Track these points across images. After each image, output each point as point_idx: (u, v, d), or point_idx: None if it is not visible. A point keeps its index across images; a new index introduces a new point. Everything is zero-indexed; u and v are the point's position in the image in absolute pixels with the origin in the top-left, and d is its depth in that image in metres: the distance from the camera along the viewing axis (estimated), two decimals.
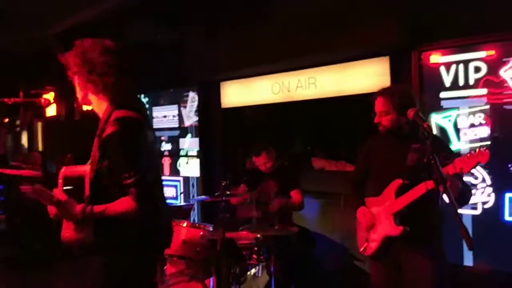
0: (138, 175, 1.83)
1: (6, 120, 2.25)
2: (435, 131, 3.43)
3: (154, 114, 6.09)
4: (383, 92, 2.50)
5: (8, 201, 5.62)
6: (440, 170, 1.83)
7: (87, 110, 2.23)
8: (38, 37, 4.81)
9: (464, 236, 1.63)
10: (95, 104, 2.03)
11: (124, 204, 1.83)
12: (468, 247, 1.61)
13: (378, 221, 2.48)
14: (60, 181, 1.79)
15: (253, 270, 3.79)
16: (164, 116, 5.99)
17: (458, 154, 2.85)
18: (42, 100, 2.17)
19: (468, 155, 2.06)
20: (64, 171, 1.77)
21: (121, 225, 1.87)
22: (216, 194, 3.02)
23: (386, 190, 2.43)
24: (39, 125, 8.33)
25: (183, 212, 4.20)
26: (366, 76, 4.16)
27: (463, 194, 2.27)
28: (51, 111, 6.51)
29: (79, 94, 2.04)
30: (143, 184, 1.84)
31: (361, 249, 2.60)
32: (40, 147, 8.19)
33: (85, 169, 1.89)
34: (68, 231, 1.85)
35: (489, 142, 3.30)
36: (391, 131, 2.43)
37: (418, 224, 2.29)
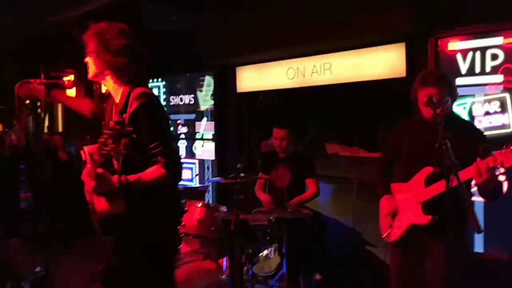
0: (165, 144, 1.98)
1: (28, 101, 2.34)
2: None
3: (171, 97, 6.19)
4: (432, 81, 2.33)
5: (31, 180, 5.80)
6: (451, 157, 1.84)
7: (106, 92, 2.32)
8: (56, 20, 4.91)
9: (471, 220, 1.65)
10: (110, 84, 2.15)
11: (155, 172, 1.97)
12: (476, 230, 1.64)
13: (404, 208, 2.44)
14: (87, 158, 1.88)
15: (265, 251, 3.89)
16: (180, 100, 6.09)
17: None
18: (66, 82, 2.26)
19: (511, 149, 1.97)
20: (89, 149, 1.87)
21: (151, 196, 2.01)
22: (230, 176, 3.10)
23: (416, 177, 2.37)
24: (60, 107, 8.52)
25: (198, 193, 4.32)
26: (382, 62, 4.15)
27: (496, 189, 2.22)
28: (71, 93, 6.67)
29: (93, 72, 2.15)
30: (170, 152, 2.00)
31: (384, 235, 2.55)
32: (60, 129, 8.39)
33: None
34: (101, 205, 1.96)
35: (507, 130, 3.27)
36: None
37: (446, 214, 2.21)
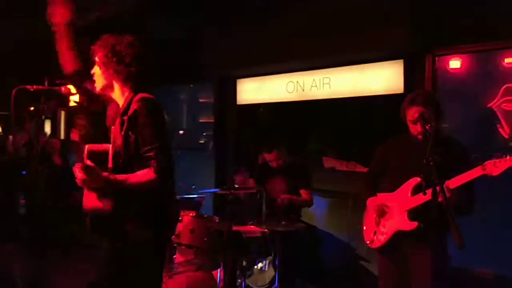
0: (160, 148, 1.97)
1: (32, 108, 2.37)
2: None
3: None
4: (420, 101, 2.44)
5: (28, 186, 5.83)
6: (437, 174, 1.88)
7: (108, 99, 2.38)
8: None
9: (454, 235, 1.68)
10: (118, 93, 2.20)
11: (145, 175, 1.96)
12: (458, 245, 1.66)
13: (390, 215, 2.52)
14: (85, 155, 1.94)
15: (259, 264, 3.88)
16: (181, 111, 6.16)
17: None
18: (63, 89, 2.27)
19: (501, 159, 2.06)
20: (89, 147, 1.90)
21: (139, 197, 2.01)
22: (224, 187, 3.12)
23: (403, 187, 2.47)
24: (62, 114, 8.60)
25: (193, 204, 4.32)
26: (380, 78, 4.20)
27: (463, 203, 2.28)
28: (74, 100, 6.73)
29: (101, 85, 2.20)
30: (164, 157, 1.98)
31: (368, 242, 2.64)
32: (62, 136, 8.45)
33: (109, 146, 2.07)
34: (91, 201, 2.00)
35: None
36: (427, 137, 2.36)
37: (429, 221, 2.27)
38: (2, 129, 7.42)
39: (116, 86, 2.18)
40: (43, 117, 2.57)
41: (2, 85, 2.19)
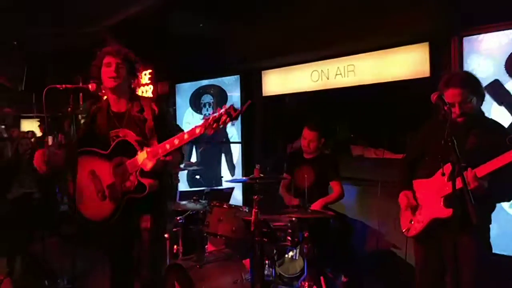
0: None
1: (69, 109, 2.50)
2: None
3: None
4: (457, 82, 2.38)
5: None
6: (457, 153, 1.85)
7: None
8: (92, 31, 5.17)
9: (470, 211, 1.67)
10: (126, 91, 2.54)
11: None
12: (473, 221, 1.65)
13: (425, 203, 2.48)
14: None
15: (290, 253, 3.92)
16: (204, 105, 6.24)
17: None
18: (90, 86, 2.39)
19: None
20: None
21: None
22: (250, 176, 3.16)
23: (439, 172, 2.37)
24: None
25: (223, 195, 4.40)
26: (406, 63, 4.12)
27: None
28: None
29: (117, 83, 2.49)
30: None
31: (404, 230, 2.60)
32: None
33: None
34: (150, 181, 2.41)
35: None
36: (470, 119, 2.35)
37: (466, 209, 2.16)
38: (42, 130, 7.74)
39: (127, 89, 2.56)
40: (79, 116, 2.69)
41: (40, 87, 2.31)
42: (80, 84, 2.38)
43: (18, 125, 9.51)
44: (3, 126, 7.06)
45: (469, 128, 2.36)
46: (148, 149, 2.33)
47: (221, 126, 2.12)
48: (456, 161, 1.83)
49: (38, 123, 8.22)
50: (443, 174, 2.11)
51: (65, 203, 6.19)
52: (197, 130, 2.19)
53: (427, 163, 2.58)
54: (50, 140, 6.15)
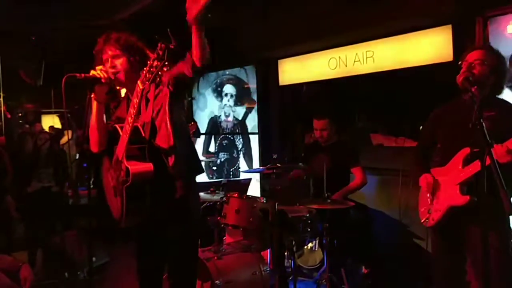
0: None
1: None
2: None
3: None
4: (482, 46, 2.40)
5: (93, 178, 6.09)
6: (486, 136, 1.75)
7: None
8: (105, 24, 5.16)
9: (503, 199, 1.58)
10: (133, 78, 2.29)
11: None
12: (506, 209, 1.56)
13: (442, 190, 2.39)
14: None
15: (309, 244, 3.86)
16: (231, 95, 6.19)
17: None
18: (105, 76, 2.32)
19: None
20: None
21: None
22: (267, 166, 3.11)
23: (453, 159, 2.33)
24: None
25: (241, 186, 4.36)
26: (427, 47, 3.98)
27: None
28: (123, 91, 6.98)
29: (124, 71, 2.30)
30: None
31: (423, 220, 2.52)
32: None
33: None
34: (136, 166, 2.11)
35: None
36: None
37: (488, 196, 2.03)
38: (62, 124, 7.83)
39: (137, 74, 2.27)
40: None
41: (59, 82, 2.25)
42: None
43: (39, 121, 9.66)
44: (20, 121, 7.16)
45: (483, 110, 2.22)
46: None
47: (158, 73, 1.92)
48: (485, 145, 1.72)
49: (58, 118, 8.32)
50: (469, 161, 1.99)
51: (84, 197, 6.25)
52: (138, 87, 2.05)
53: (440, 150, 2.51)
54: (69, 134, 6.21)
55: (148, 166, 2.11)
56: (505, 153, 2.05)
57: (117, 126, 2.21)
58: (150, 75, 1.94)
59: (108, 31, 2.35)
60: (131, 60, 2.27)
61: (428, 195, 2.47)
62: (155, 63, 1.91)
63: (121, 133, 2.15)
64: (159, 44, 1.89)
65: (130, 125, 2.07)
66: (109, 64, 2.27)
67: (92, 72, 2.25)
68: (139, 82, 2.03)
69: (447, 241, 2.44)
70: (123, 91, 2.52)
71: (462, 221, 2.31)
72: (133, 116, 2.07)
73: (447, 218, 2.35)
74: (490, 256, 2.11)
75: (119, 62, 2.26)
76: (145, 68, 1.97)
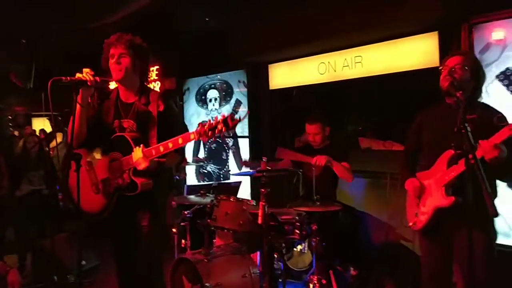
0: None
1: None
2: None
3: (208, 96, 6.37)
4: (461, 52, 2.48)
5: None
6: (470, 140, 1.80)
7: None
8: (96, 27, 5.17)
9: (487, 202, 1.62)
10: (135, 82, 2.56)
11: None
12: (491, 214, 1.60)
13: (428, 193, 2.43)
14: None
15: (299, 247, 3.89)
16: (215, 99, 6.22)
17: None
18: (98, 79, 2.36)
19: None
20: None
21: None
22: (257, 169, 3.13)
23: (438, 162, 2.38)
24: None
25: (231, 189, 4.38)
26: (414, 52, 4.05)
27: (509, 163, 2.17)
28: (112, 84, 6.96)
29: (124, 75, 2.48)
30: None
31: (410, 224, 2.55)
32: None
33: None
34: (142, 181, 2.39)
35: None
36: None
37: (473, 197, 2.05)
38: (53, 128, 7.78)
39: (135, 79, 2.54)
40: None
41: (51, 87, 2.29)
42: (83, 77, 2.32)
43: (29, 124, 9.59)
44: (10, 124, 7.12)
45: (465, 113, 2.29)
46: (144, 149, 2.31)
47: (216, 135, 2.10)
48: (470, 148, 1.77)
49: (48, 120, 8.28)
50: (453, 162, 2.05)
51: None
52: (191, 136, 2.18)
53: (425, 154, 2.55)
54: (59, 137, 6.19)
55: (151, 181, 2.42)
56: (492, 148, 2.08)
57: (127, 135, 2.41)
58: (210, 134, 2.11)
59: (121, 32, 2.51)
60: (136, 62, 2.47)
61: (414, 199, 2.52)
62: (221, 126, 2.08)
63: (132, 145, 2.36)
64: (231, 114, 2.11)
65: (153, 154, 2.33)
66: (115, 60, 2.44)
67: (78, 75, 2.29)
68: (194, 133, 2.18)
69: (434, 243, 2.48)
70: (111, 85, 2.63)
71: (449, 223, 2.35)
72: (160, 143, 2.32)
73: (434, 220, 2.40)
74: (476, 257, 2.19)
75: (125, 61, 2.44)
76: (207, 124, 2.12)
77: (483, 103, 2.49)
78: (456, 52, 2.48)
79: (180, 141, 2.22)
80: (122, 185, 2.41)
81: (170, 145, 2.25)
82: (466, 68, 2.34)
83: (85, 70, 2.34)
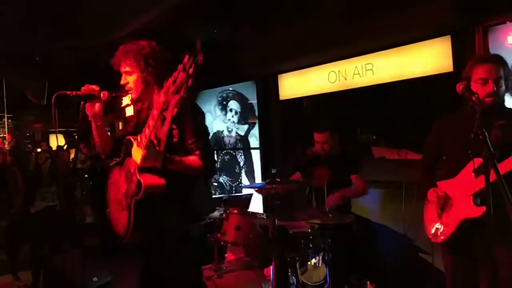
0: (201, 141, 2.17)
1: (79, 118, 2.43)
2: None
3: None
4: (491, 58, 2.27)
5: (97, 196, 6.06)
6: (489, 146, 1.69)
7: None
8: (106, 42, 5.21)
9: (509, 212, 1.51)
10: (150, 95, 2.28)
11: (195, 161, 2.15)
12: None
13: (453, 203, 2.28)
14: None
15: (313, 260, 3.78)
16: (230, 110, 6.19)
17: None
18: (102, 95, 2.29)
19: None
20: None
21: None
22: (266, 181, 3.06)
23: (464, 170, 2.22)
24: (120, 125, 8.99)
25: (242, 202, 4.31)
26: (427, 58, 3.96)
27: None
28: (129, 111, 7.01)
29: (139, 90, 2.28)
30: (205, 148, 2.18)
31: (430, 236, 2.39)
32: None
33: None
34: (148, 179, 2.07)
35: None
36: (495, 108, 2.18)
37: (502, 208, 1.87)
38: (67, 143, 7.85)
39: (152, 88, 2.25)
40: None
41: (63, 101, 2.26)
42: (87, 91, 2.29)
43: (47, 140, 9.73)
44: (28, 141, 7.20)
45: (493, 119, 2.16)
46: (137, 140, 2.09)
47: (182, 86, 1.88)
48: (489, 155, 1.66)
49: (62, 136, 8.38)
50: (475, 171, 1.92)
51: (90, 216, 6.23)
52: (160, 99, 1.98)
53: (445, 163, 2.42)
54: (72, 153, 6.22)
55: (161, 181, 2.09)
56: None
57: (131, 138, 2.15)
58: (174, 88, 1.90)
59: (125, 42, 2.30)
60: (144, 76, 2.23)
61: (436, 209, 2.37)
62: (181, 75, 1.88)
63: (135, 144, 2.10)
64: (186, 57, 1.87)
65: (147, 137, 2.03)
66: (123, 80, 2.28)
67: (83, 89, 2.25)
68: (162, 93, 1.97)
69: (460, 257, 2.33)
70: (125, 100, 2.53)
71: (476, 236, 2.18)
72: (151, 127, 2.04)
73: (460, 232, 2.24)
74: (503, 272, 2.03)
75: (132, 79, 2.25)
76: (169, 80, 1.92)
77: (509, 108, 2.35)
78: (486, 57, 2.30)
79: (154, 112, 2.03)
80: (134, 191, 2.13)
81: (151, 122, 2.05)
82: (501, 79, 2.19)
83: (90, 85, 2.29)
